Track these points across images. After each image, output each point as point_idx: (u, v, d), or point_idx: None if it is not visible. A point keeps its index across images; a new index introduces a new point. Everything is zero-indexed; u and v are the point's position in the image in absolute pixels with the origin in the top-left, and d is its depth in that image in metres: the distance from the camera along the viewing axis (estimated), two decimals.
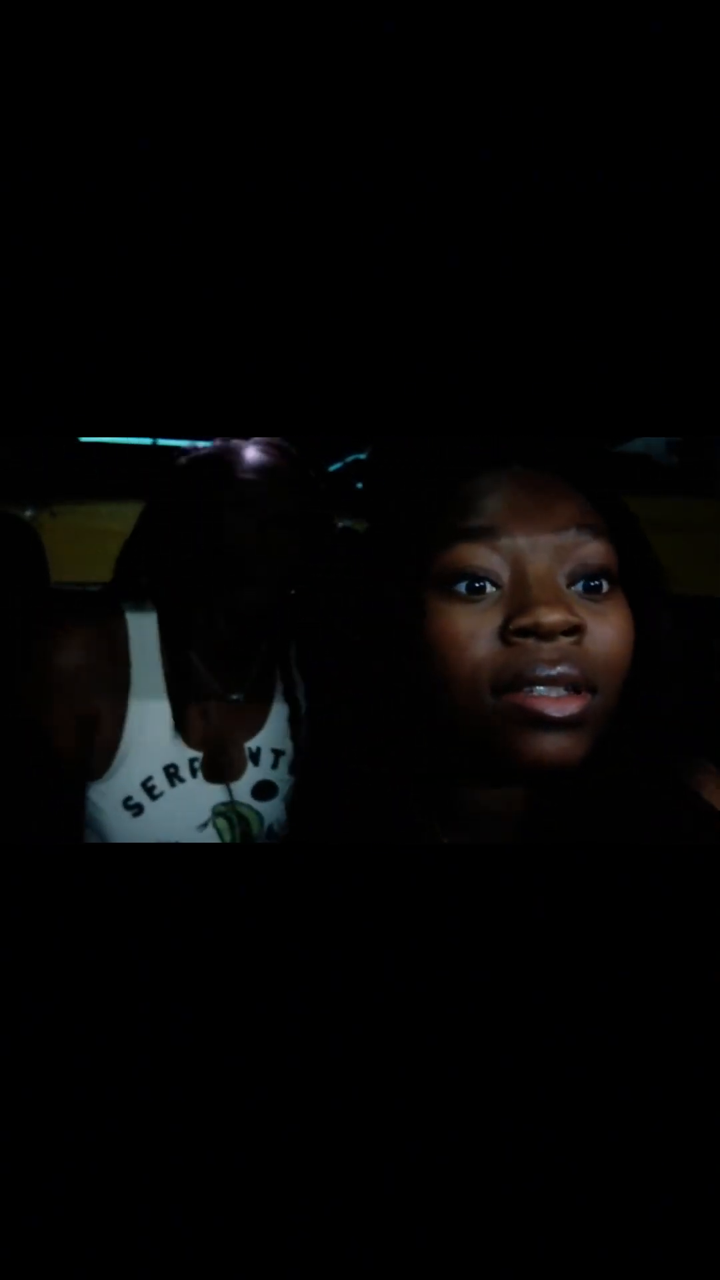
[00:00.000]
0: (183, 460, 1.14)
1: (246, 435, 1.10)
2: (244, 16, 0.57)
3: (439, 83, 0.58)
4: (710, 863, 0.62)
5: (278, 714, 1.16)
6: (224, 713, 1.13)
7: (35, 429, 0.63)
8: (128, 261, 0.59)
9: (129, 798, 1.06)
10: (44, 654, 1.04)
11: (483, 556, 0.60)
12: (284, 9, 0.57)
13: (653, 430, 0.66)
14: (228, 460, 1.10)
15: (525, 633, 0.58)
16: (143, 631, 1.10)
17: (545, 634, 0.57)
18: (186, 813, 1.08)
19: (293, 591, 1.11)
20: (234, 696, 1.13)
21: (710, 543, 1.77)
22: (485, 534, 0.60)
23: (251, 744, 1.14)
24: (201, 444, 1.15)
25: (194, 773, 1.09)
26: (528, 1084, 0.60)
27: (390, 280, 0.60)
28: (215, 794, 1.10)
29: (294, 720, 1.15)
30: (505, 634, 0.58)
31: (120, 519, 1.23)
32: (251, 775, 1.13)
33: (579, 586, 0.60)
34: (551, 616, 0.57)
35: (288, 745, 1.15)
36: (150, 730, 1.07)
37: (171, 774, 1.08)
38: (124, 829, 1.06)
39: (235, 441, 1.11)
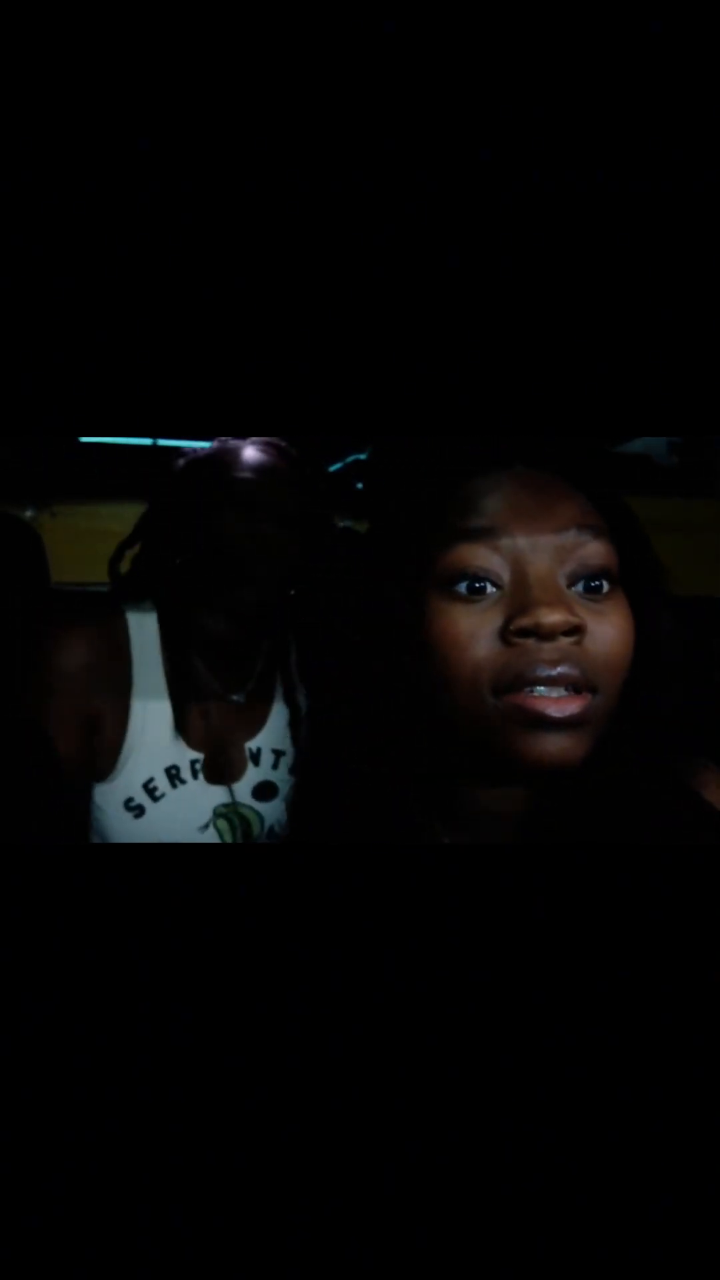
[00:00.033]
0: (182, 461, 1.14)
1: (246, 435, 1.10)
2: (244, 16, 0.57)
3: (439, 83, 0.58)
4: (710, 863, 0.62)
5: (278, 714, 1.16)
6: (224, 713, 1.13)
7: (35, 429, 0.63)
8: (128, 261, 0.59)
9: (130, 799, 1.06)
10: (47, 654, 1.04)
11: (483, 557, 0.60)
12: (284, 9, 0.57)
13: (653, 430, 0.66)
14: (227, 461, 1.10)
15: (526, 633, 0.58)
16: (143, 632, 1.10)
17: (546, 634, 0.57)
18: (188, 814, 1.08)
19: (292, 592, 1.10)
20: (234, 697, 1.13)
21: (710, 543, 1.77)
22: (486, 534, 0.60)
23: (252, 744, 1.14)
24: (201, 445, 1.15)
25: (195, 774, 1.09)
26: (528, 1084, 0.60)
27: (390, 280, 0.60)
28: (216, 795, 1.10)
29: (294, 720, 1.15)
30: (506, 634, 0.58)
31: (120, 519, 1.23)
32: (252, 776, 1.13)
33: (579, 587, 0.60)
34: (552, 617, 0.57)
35: (288, 745, 1.15)
36: (152, 731, 1.07)
37: (173, 775, 1.08)
38: (125, 830, 1.06)
39: (234, 442, 1.11)
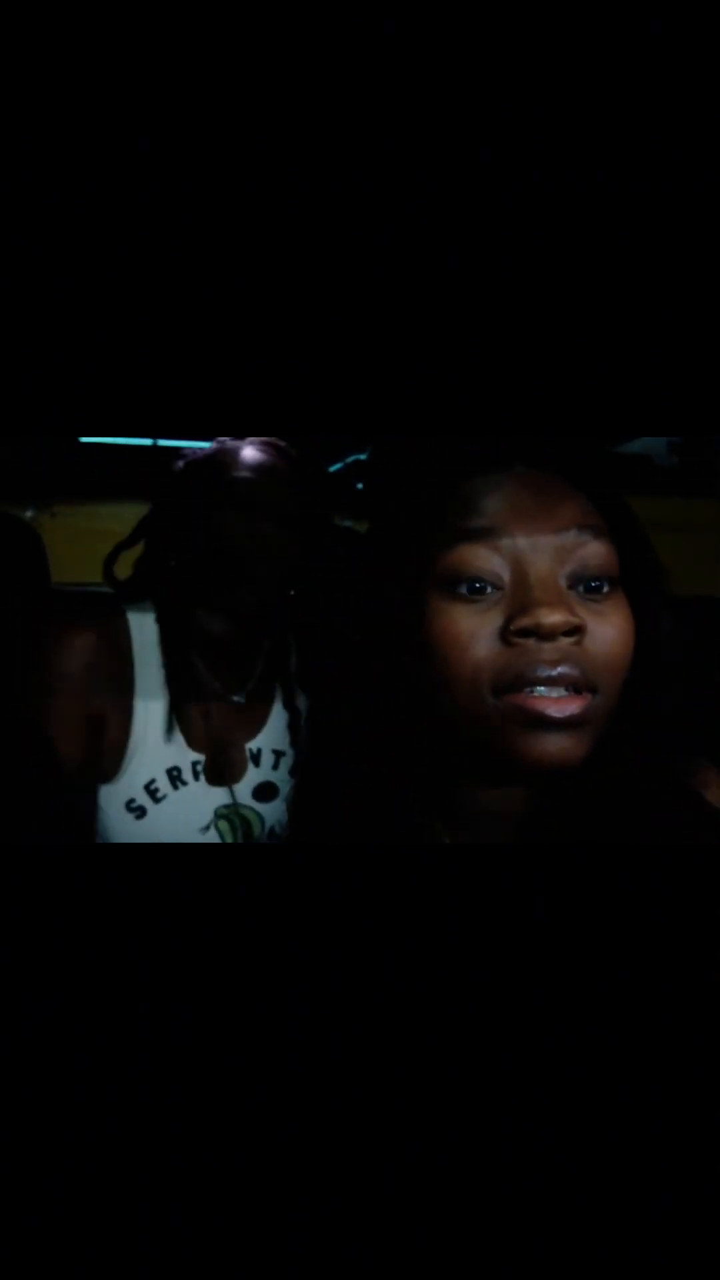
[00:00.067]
0: (182, 462, 1.14)
1: (246, 435, 1.10)
2: (244, 16, 0.57)
3: (439, 83, 0.58)
4: (710, 863, 0.62)
5: (278, 715, 1.16)
6: (225, 714, 1.13)
7: (35, 429, 0.63)
8: (128, 261, 0.59)
9: (132, 800, 1.06)
10: (50, 655, 1.04)
11: (483, 557, 0.60)
12: (284, 9, 0.57)
13: (653, 430, 0.66)
14: (226, 461, 1.10)
15: (526, 633, 0.58)
16: (145, 633, 1.10)
17: (546, 634, 0.57)
18: (189, 815, 1.08)
19: (292, 592, 1.10)
20: (235, 698, 1.13)
21: (710, 543, 1.77)
22: (486, 534, 0.60)
23: (252, 745, 1.14)
24: (201, 445, 1.15)
25: (196, 775, 1.09)
26: (528, 1084, 0.60)
27: (390, 280, 0.60)
28: (217, 796, 1.10)
29: (294, 721, 1.15)
30: (506, 634, 0.58)
31: (120, 520, 1.22)
32: (253, 776, 1.13)
33: (580, 587, 0.60)
34: (552, 617, 0.57)
35: (288, 746, 1.15)
36: (154, 732, 1.07)
37: (174, 776, 1.08)
38: (126, 831, 1.06)
39: (233, 442, 1.11)
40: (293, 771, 1.10)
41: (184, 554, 1.10)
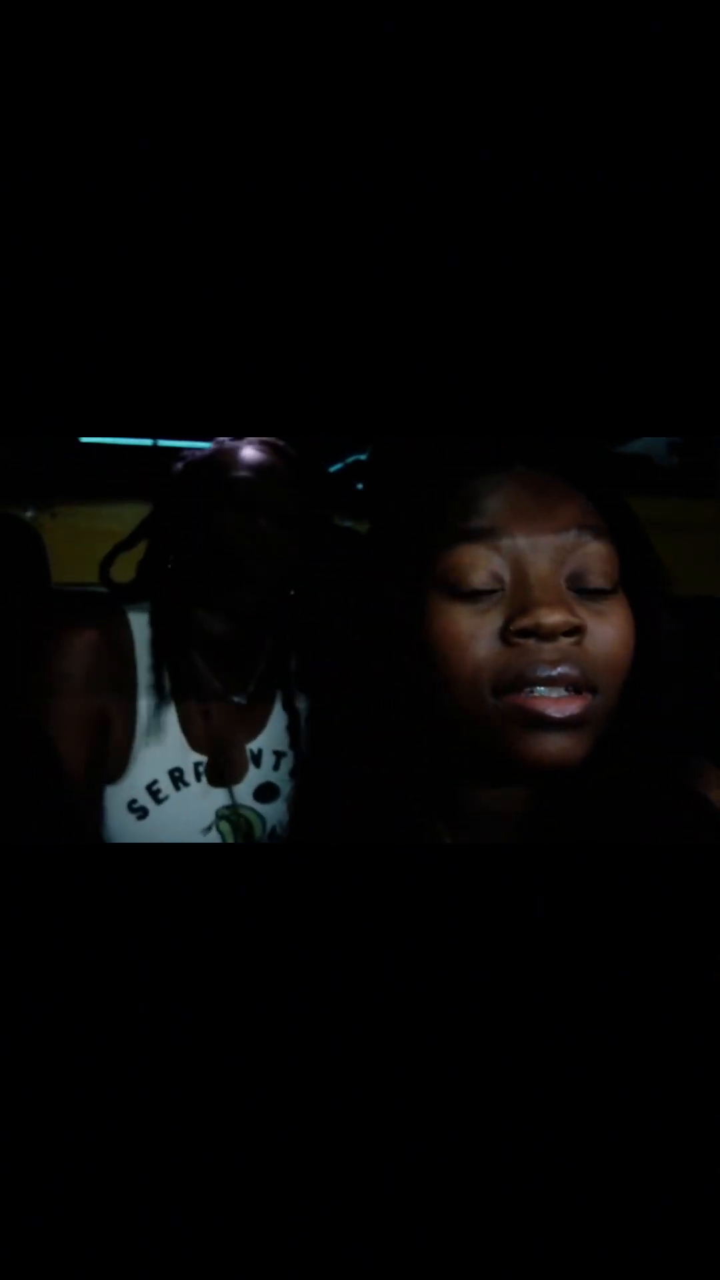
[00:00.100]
0: (181, 462, 1.14)
1: (247, 435, 1.10)
2: (244, 16, 0.57)
3: (439, 83, 0.58)
4: (710, 863, 0.62)
5: (279, 715, 1.16)
6: (226, 714, 1.13)
7: (35, 429, 0.63)
8: (128, 261, 0.59)
9: (134, 800, 1.06)
10: (56, 655, 1.04)
11: (484, 558, 0.60)
12: (284, 9, 0.57)
13: (653, 430, 0.66)
14: (225, 461, 1.10)
15: (526, 633, 0.58)
16: (146, 633, 1.10)
17: (546, 635, 0.57)
18: (190, 816, 1.08)
19: (292, 592, 1.10)
20: (235, 698, 1.13)
21: (710, 543, 1.77)
22: (486, 535, 0.60)
23: (253, 746, 1.14)
24: (201, 446, 1.15)
25: (198, 776, 1.09)
26: (528, 1084, 0.60)
27: (390, 280, 0.60)
28: (218, 797, 1.10)
29: (294, 722, 1.15)
30: (506, 634, 0.58)
31: (121, 520, 1.22)
32: (253, 777, 1.13)
33: (580, 587, 0.60)
34: (552, 618, 0.57)
35: (289, 747, 1.15)
36: (156, 732, 1.07)
37: (176, 778, 1.08)
38: (128, 832, 1.06)
39: (232, 442, 1.11)
40: (293, 772, 1.10)
41: (184, 555, 1.10)
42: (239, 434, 1.10)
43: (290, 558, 1.08)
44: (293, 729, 1.15)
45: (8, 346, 0.60)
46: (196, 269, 0.59)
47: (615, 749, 0.61)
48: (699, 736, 0.69)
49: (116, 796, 1.06)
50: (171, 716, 1.08)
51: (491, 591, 0.60)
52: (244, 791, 1.12)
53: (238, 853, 0.79)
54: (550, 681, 0.57)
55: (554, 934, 0.61)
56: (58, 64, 0.57)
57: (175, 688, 1.09)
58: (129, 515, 1.19)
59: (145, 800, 1.06)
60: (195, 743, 1.09)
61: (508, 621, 0.58)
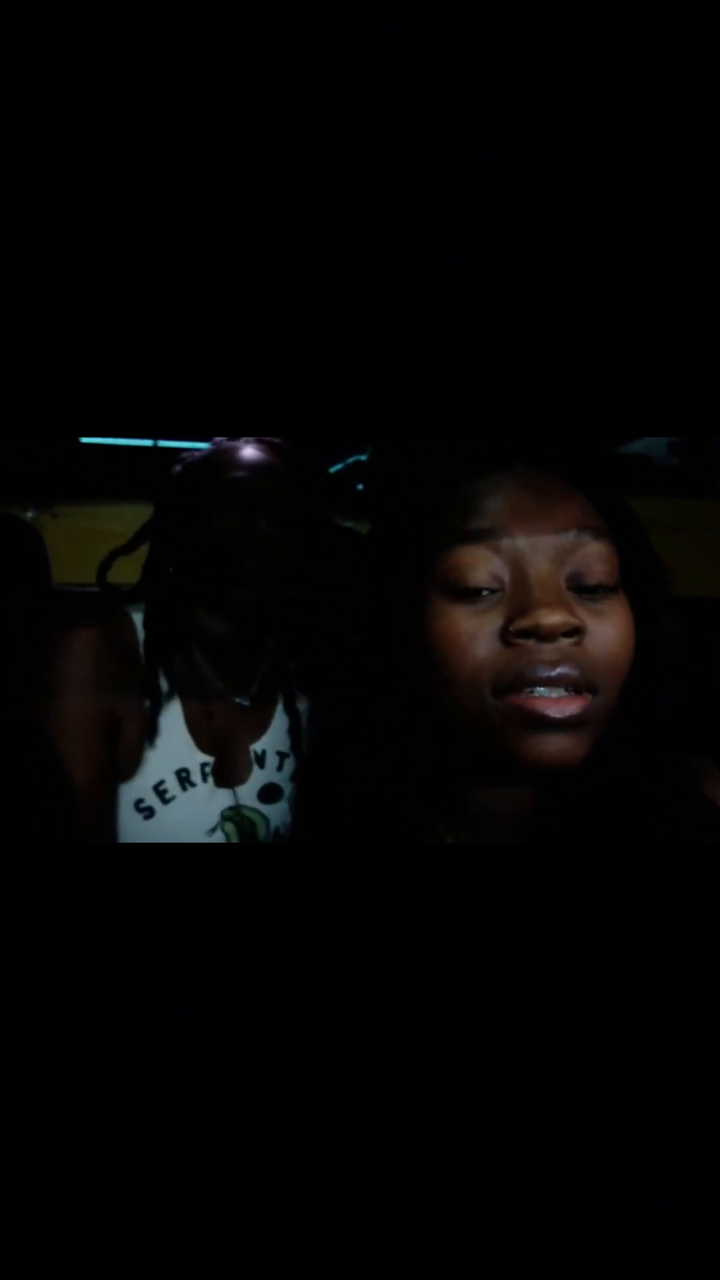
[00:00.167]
0: (180, 464, 1.14)
1: (246, 435, 1.10)
2: (244, 16, 0.57)
3: (439, 82, 0.58)
4: (710, 863, 0.62)
5: (281, 716, 1.16)
6: (229, 715, 1.13)
7: (35, 429, 0.63)
8: (128, 261, 0.59)
9: (140, 800, 1.06)
10: (64, 656, 1.03)
11: (483, 558, 0.60)
12: (284, 9, 0.57)
13: (653, 430, 0.66)
14: (224, 461, 1.10)
15: (526, 634, 0.58)
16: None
17: (546, 635, 0.57)
18: (196, 817, 1.08)
19: (292, 592, 1.10)
20: (238, 699, 1.13)
21: (710, 543, 1.77)
22: (486, 535, 0.60)
23: (256, 747, 1.14)
24: (200, 446, 1.15)
25: (205, 777, 1.09)
26: (528, 1084, 0.60)
27: (390, 280, 0.60)
28: (223, 798, 1.10)
29: (295, 723, 1.15)
30: (506, 635, 0.58)
31: (121, 520, 1.22)
32: (257, 778, 1.13)
33: (580, 587, 0.60)
34: (552, 618, 0.57)
35: (292, 748, 1.15)
36: (163, 733, 1.07)
37: (183, 778, 1.08)
38: (134, 832, 1.06)
39: (230, 442, 1.11)
40: (295, 774, 1.10)
41: (184, 557, 1.10)
42: (239, 434, 1.10)
43: (290, 558, 1.08)
44: (295, 730, 1.15)
45: (8, 346, 0.60)
46: (196, 269, 0.59)
47: (615, 749, 0.61)
48: (699, 736, 0.69)
49: (124, 796, 1.06)
50: (178, 717, 1.08)
51: (491, 592, 0.60)
52: (249, 792, 1.12)
53: (238, 853, 0.79)
54: (550, 682, 0.57)
55: (554, 934, 0.61)
56: (58, 64, 0.57)
57: (179, 688, 1.09)
58: (129, 515, 1.18)
59: (152, 800, 1.06)
60: (202, 743, 1.09)
61: (507, 622, 0.58)
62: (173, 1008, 0.62)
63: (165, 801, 1.06)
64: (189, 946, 0.62)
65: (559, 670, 0.57)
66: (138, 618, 1.09)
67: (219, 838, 1.09)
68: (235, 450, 1.10)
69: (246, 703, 1.14)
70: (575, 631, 0.58)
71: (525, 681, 0.57)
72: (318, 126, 0.58)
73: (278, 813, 1.11)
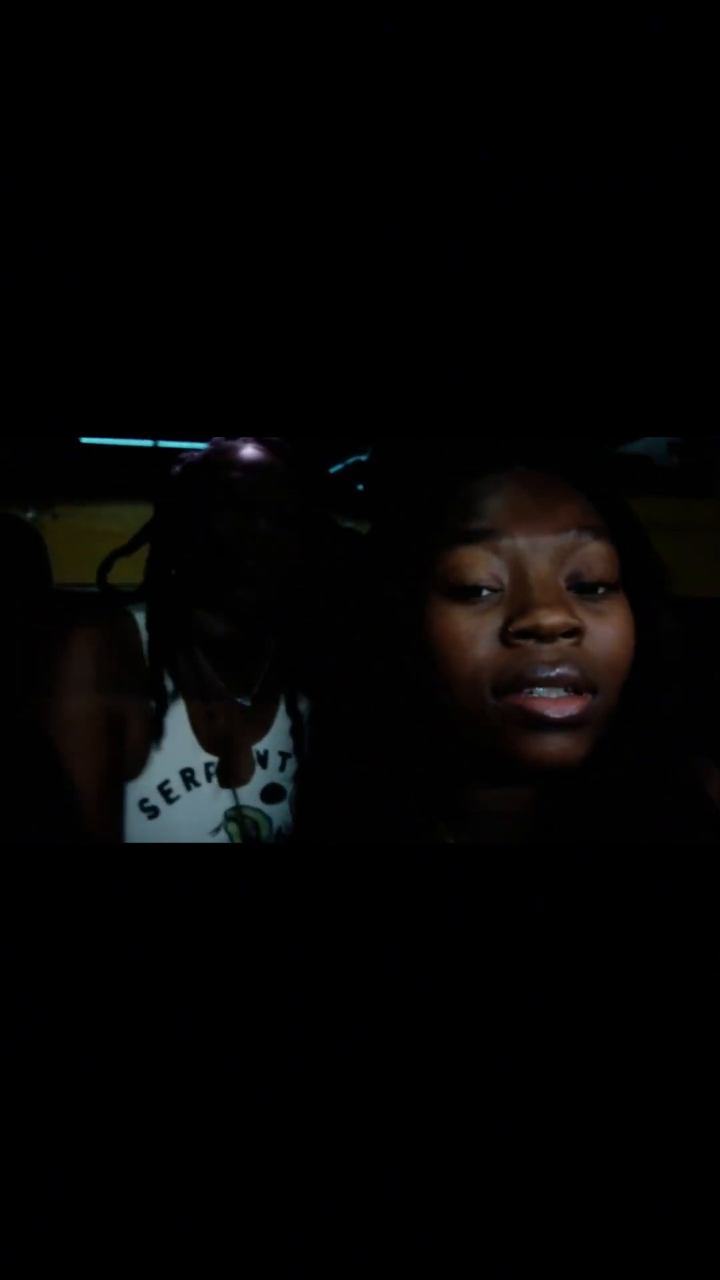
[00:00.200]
0: (179, 465, 1.14)
1: (246, 435, 1.10)
2: (244, 16, 0.57)
3: (439, 82, 0.58)
4: (710, 863, 0.62)
5: (284, 717, 1.16)
6: (232, 716, 1.13)
7: (35, 429, 0.63)
8: (128, 261, 0.59)
9: (145, 800, 1.06)
10: (70, 656, 1.03)
11: (483, 559, 0.60)
12: (284, 9, 0.57)
13: (653, 430, 0.66)
14: (223, 461, 1.10)
15: (525, 634, 0.58)
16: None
17: (545, 636, 0.57)
18: (200, 817, 1.08)
19: (292, 592, 1.10)
20: (241, 699, 1.13)
21: (710, 543, 1.77)
22: (486, 535, 0.60)
23: (259, 747, 1.14)
24: (201, 446, 1.15)
25: (209, 777, 1.09)
26: (528, 1084, 0.60)
27: (390, 280, 0.60)
28: (227, 798, 1.10)
29: (296, 723, 1.15)
30: (505, 635, 0.58)
31: (121, 520, 1.22)
32: (260, 778, 1.13)
33: (580, 587, 0.60)
34: (551, 619, 0.57)
35: (294, 749, 1.15)
36: (168, 733, 1.07)
37: (187, 778, 1.08)
38: (139, 831, 1.06)
39: (229, 442, 1.11)
40: (296, 773, 1.10)
41: (185, 557, 1.10)
42: (239, 434, 1.10)
43: (290, 558, 1.08)
44: (296, 730, 1.15)
45: (8, 346, 0.60)
46: (196, 269, 0.59)
47: (615, 749, 0.61)
48: (699, 736, 0.69)
49: (129, 796, 1.06)
50: (182, 717, 1.08)
51: (492, 592, 0.60)
52: (251, 793, 1.12)
53: (238, 853, 0.79)
54: (549, 682, 0.57)
55: (554, 934, 0.61)
56: (58, 64, 0.57)
57: (182, 688, 1.09)
58: (129, 516, 1.18)
59: (156, 800, 1.06)
60: (206, 743, 1.09)
61: (507, 622, 0.58)
62: (173, 1008, 0.62)
63: (170, 801, 1.06)
64: (189, 946, 0.62)
65: (558, 670, 0.57)
66: (140, 618, 1.09)
67: (222, 838, 1.09)
68: (235, 450, 1.10)
69: (248, 703, 1.14)
70: (574, 632, 0.58)
71: (525, 682, 0.57)
72: (318, 126, 0.58)
73: (281, 813, 1.11)
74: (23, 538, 1.54)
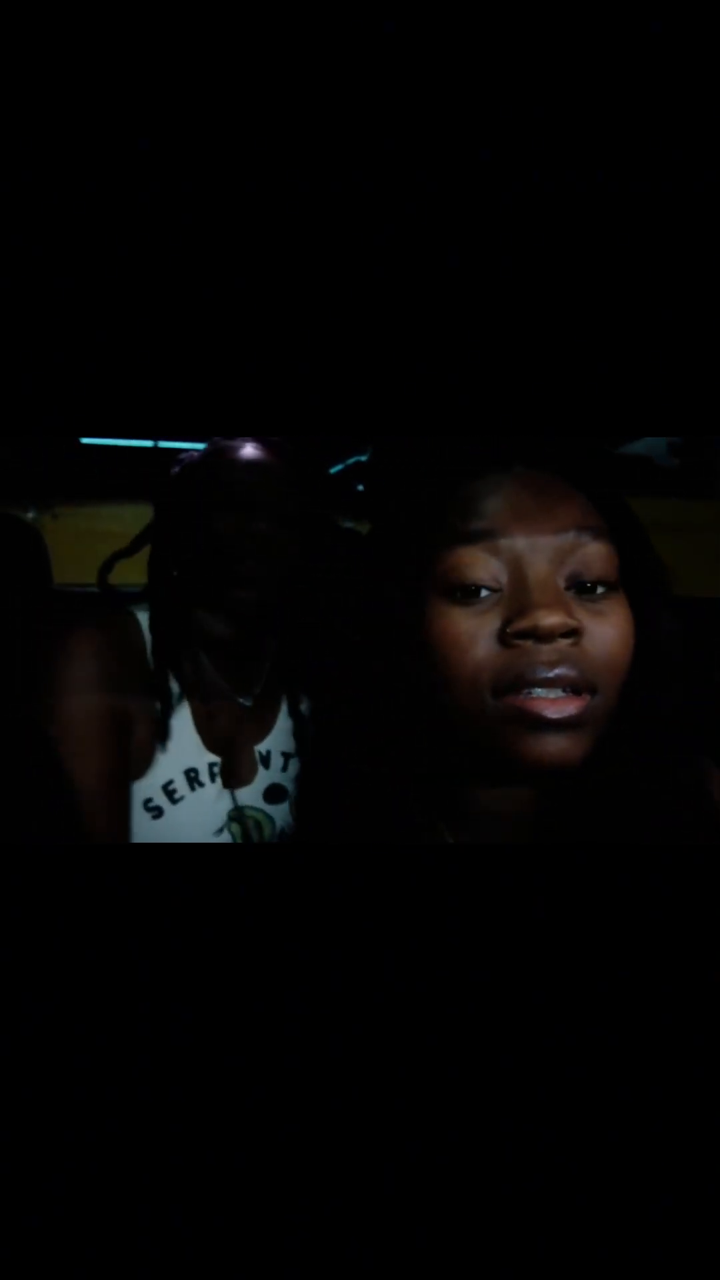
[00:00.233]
0: (178, 466, 1.14)
1: (246, 435, 1.10)
2: (244, 16, 0.57)
3: (439, 82, 0.58)
4: (710, 863, 0.62)
5: (286, 717, 1.16)
6: (235, 716, 1.13)
7: (35, 429, 0.63)
8: (128, 261, 0.59)
9: (149, 800, 1.06)
10: (73, 656, 1.03)
11: (482, 560, 0.60)
12: (284, 9, 0.57)
13: (653, 430, 0.66)
14: (222, 462, 1.10)
15: (524, 635, 0.58)
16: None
17: (544, 636, 0.57)
18: (204, 818, 1.08)
19: (292, 592, 1.10)
20: (243, 700, 1.13)
21: (710, 543, 1.77)
22: (485, 536, 0.60)
23: (261, 747, 1.14)
24: (200, 446, 1.15)
25: (213, 777, 1.09)
26: (528, 1084, 0.60)
27: (390, 280, 0.60)
28: (230, 799, 1.10)
29: (298, 724, 1.15)
30: (504, 636, 0.58)
31: (121, 521, 1.22)
32: (262, 779, 1.13)
33: (579, 588, 0.60)
34: (550, 620, 0.57)
35: (296, 749, 1.15)
36: (173, 733, 1.07)
37: (191, 778, 1.08)
38: (143, 832, 1.06)
39: (228, 442, 1.11)
40: (298, 774, 1.10)
41: (185, 558, 1.10)
42: (239, 434, 1.10)
43: (290, 558, 1.08)
44: (299, 731, 1.15)
45: (8, 346, 0.60)
46: (196, 269, 0.59)
47: (615, 749, 0.61)
48: (699, 736, 0.69)
49: (134, 795, 1.06)
50: (186, 718, 1.08)
51: (491, 592, 0.60)
52: (254, 793, 1.12)
53: (238, 853, 0.79)
54: (548, 683, 0.57)
55: (554, 934, 0.61)
56: (58, 64, 0.57)
57: (185, 689, 1.09)
58: (129, 516, 1.19)
59: (161, 800, 1.06)
60: (210, 744, 1.09)
61: (506, 623, 0.58)
62: (173, 1007, 0.62)
63: (174, 801, 1.06)
64: (189, 946, 0.62)
65: (557, 671, 0.57)
66: (143, 618, 1.09)
67: (226, 838, 1.09)
68: (235, 450, 1.10)
69: (250, 703, 1.14)
70: (573, 633, 0.58)
71: (524, 682, 0.57)
72: (317, 126, 0.58)
73: (283, 813, 1.11)
74: (23, 538, 1.54)
